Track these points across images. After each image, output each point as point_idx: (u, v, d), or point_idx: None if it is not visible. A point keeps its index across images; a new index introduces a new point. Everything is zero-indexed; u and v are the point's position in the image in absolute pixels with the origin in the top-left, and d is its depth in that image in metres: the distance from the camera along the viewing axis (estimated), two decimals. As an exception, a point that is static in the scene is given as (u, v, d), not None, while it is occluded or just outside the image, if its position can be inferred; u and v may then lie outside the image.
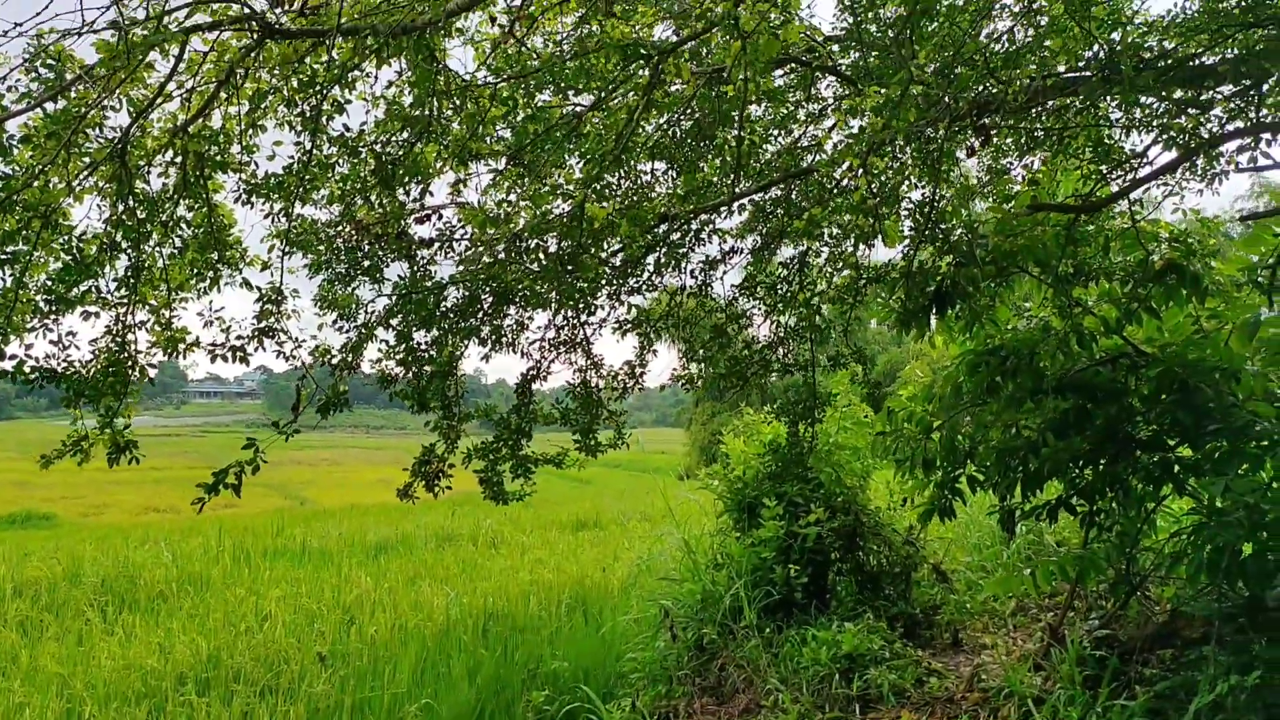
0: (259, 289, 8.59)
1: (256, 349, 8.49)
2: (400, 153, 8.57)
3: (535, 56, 7.60)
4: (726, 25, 6.34)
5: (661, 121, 8.70)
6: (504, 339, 10.64)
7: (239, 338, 8.48)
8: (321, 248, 9.90)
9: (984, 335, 13.76)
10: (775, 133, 11.79)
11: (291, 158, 8.49)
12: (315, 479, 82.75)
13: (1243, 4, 8.43)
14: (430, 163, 8.72)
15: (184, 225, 8.41)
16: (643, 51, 6.74)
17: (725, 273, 11.53)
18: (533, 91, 7.80)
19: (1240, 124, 8.62)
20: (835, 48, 10.57)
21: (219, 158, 7.90)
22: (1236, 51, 8.20)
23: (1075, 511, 12.85)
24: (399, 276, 10.61)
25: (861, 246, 10.16)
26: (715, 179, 10.77)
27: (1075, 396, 13.61)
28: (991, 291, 12.60)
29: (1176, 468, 12.08)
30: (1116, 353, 13.53)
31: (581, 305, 9.75)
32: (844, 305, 11.48)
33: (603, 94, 7.82)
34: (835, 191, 9.60)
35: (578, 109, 9.23)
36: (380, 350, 10.55)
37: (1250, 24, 8.01)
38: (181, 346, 8.36)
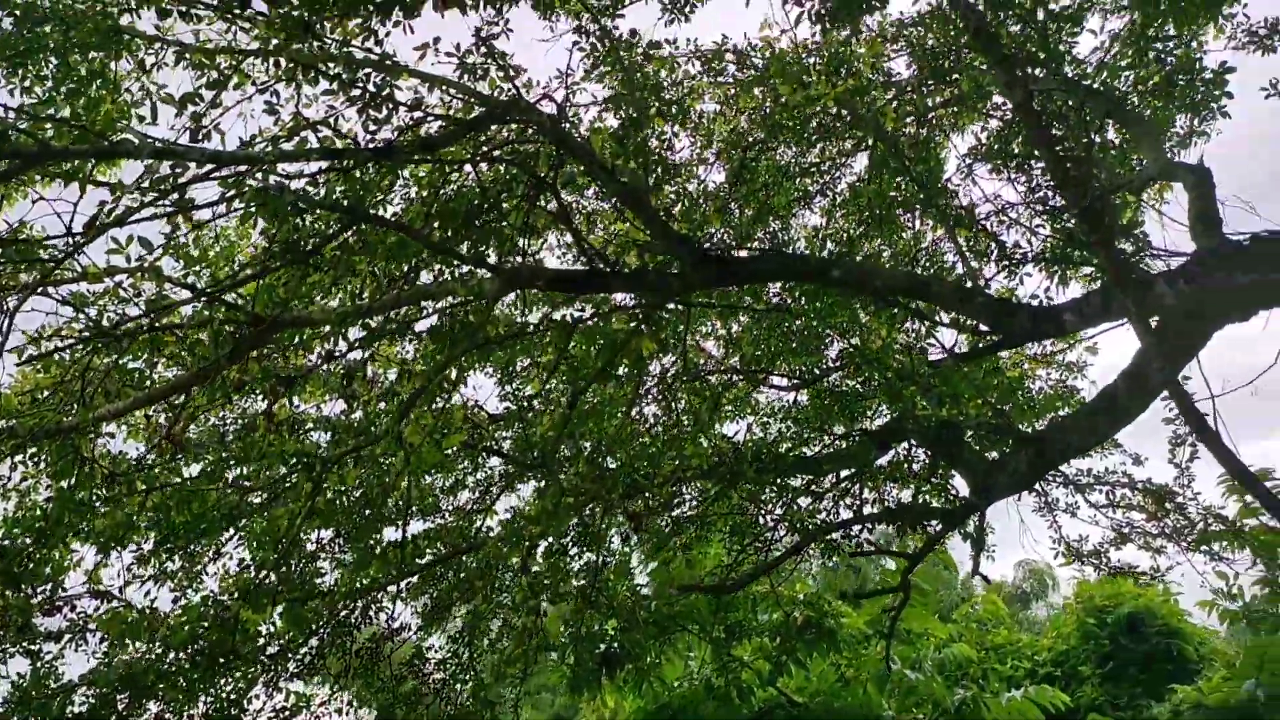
0: None
1: None
2: (27, 555, 7.93)
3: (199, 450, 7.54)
4: (389, 442, 6.68)
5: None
6: (140, 741, 9.56)
7: None
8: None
9: (653, 694, 14.16)
10: (446, 498, 12.12)
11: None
12: None
13: (837, 406, 10.03)
14: (61, 565, 8.14)
15: None
16: (304, 462, 6.90)
17: (393, 650, 11.23)
18: (185, 493, 7.64)
19: (849, 506, 10.01)
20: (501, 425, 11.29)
21: None
22: (834, 449, 9.67)
23: None
24: (17, 674, 9.44)
25: (533, 618, 10.38)
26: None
27: (739, 750, 14.11)
28: (657, 650, 13.16)
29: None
30: (773, 704, 14.35)
31: (231, 702, 9.06)
32: (513, 676, 11.49)
33: (264, 498, 7.82)
34: (500, 570, 9.90)
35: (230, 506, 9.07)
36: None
37: (848, 428, 9.54)
38: None
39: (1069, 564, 15.48)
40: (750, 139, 9.95)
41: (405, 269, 6.99)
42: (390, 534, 10.98)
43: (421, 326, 7.12)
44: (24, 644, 9.42)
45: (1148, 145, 7.14)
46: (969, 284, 7.22)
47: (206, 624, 7.14)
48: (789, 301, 8.97)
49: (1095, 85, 7.55)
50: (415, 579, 11.60)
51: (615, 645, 12.40)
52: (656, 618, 12.06)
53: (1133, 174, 7.64)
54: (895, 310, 8.10)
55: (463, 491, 12.47)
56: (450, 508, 12.13)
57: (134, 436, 9.43)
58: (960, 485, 9.29)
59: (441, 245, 6.29)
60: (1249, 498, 12.60)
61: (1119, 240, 7.40)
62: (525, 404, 9.71)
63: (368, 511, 10.11)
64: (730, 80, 9.24)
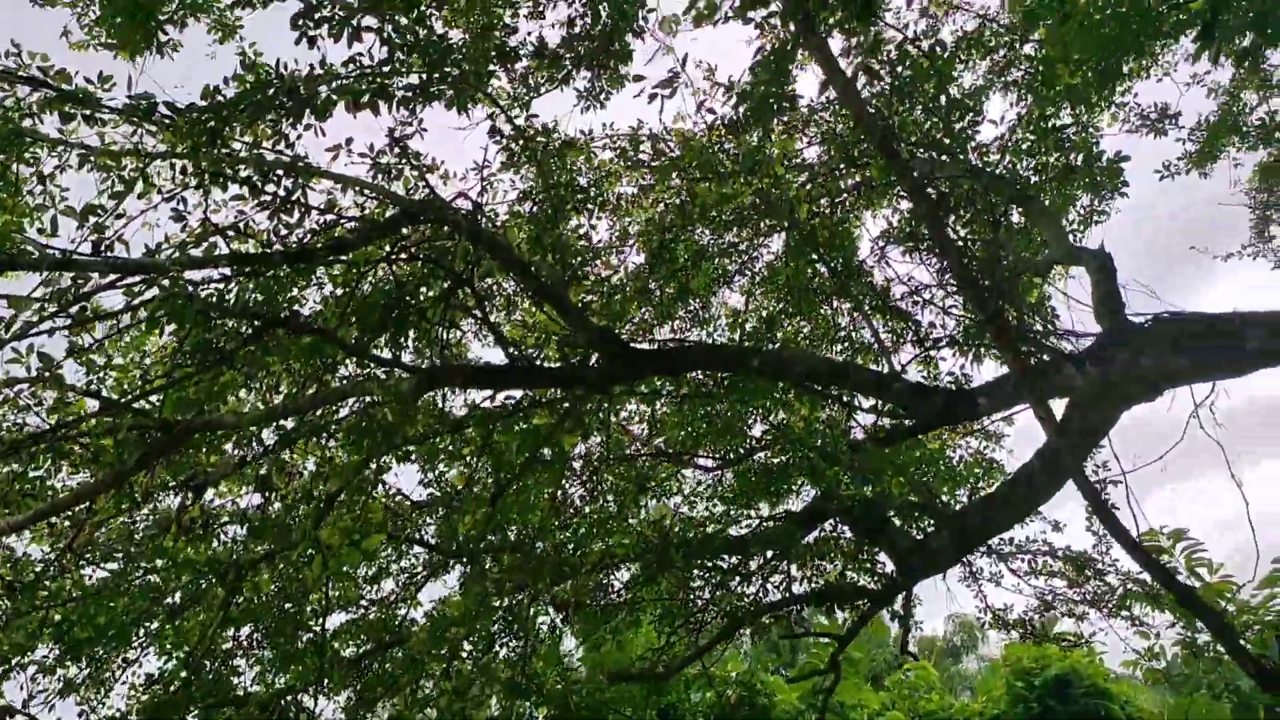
0: None
1: None
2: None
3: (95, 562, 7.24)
4: (306, 545, 6.49)
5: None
6: None
7: None
8: None
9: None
10: (369, 588, 11.82)
11: None
12: None
13: (763, 484, 10.07)
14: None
15: None
16: (218, 568, 6.66)
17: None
18: (90, 606, 7.33)
19: (778, 592, 9.99)
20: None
21: None
22: (761, 530, 9.68)
23: None
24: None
25: None
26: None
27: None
28: (588, 738, 12.92)
29: None
30: (710, 785, 14.13)
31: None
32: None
33: (177, 605, 7.53)
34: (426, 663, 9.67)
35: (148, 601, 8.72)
36: None
37: (769, 516, 9.57)
38: None
39: (995, 627, 15.65)
40: (668, 221, 10.07)
41: (320, 367, 6.87)
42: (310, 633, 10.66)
43: (340, 421, 6.98)
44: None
45: (1050, 229, 7.40)
46: (885, 369, 7.34)
47: None
48: (710, 385, 9.02)
49: (999, 171, 7.81)
50: (337, 675, 11.25)
51: (548, 735, 12.12)
52: (589, 703, 11.85)
53: (1036, 258, 7.89)
54: (816, 394, 8.19)
55: (386, 580, 12.19)
56: (373, 598, 11.84)
57: (37, 541, 9.05)
58: (887, 562, 9.36)
59: (356, 347, 6.19)
60: (1167, 558, 12.97)
61: (1029, 318, 7.61)
62: (449, 490, 9.54)
63: (288, 605, 9.82)
64: (646, 166, 9.35)
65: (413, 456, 10.23)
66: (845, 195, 9.37)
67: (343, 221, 6.23)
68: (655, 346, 7.65)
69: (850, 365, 7.49)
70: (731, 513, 10.21)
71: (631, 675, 10.19)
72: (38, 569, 7.72)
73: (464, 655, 10.06)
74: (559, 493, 10.31)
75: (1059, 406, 6.84)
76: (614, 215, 10.44)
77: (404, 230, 6.67)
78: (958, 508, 9.18)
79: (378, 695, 11.03)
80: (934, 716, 16.23)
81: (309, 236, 6.14)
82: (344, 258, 6.45)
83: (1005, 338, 6.89)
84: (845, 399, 8.46)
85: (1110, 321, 6.79)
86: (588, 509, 10.43)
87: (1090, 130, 7.84)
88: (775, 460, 10.38)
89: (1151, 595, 11.13)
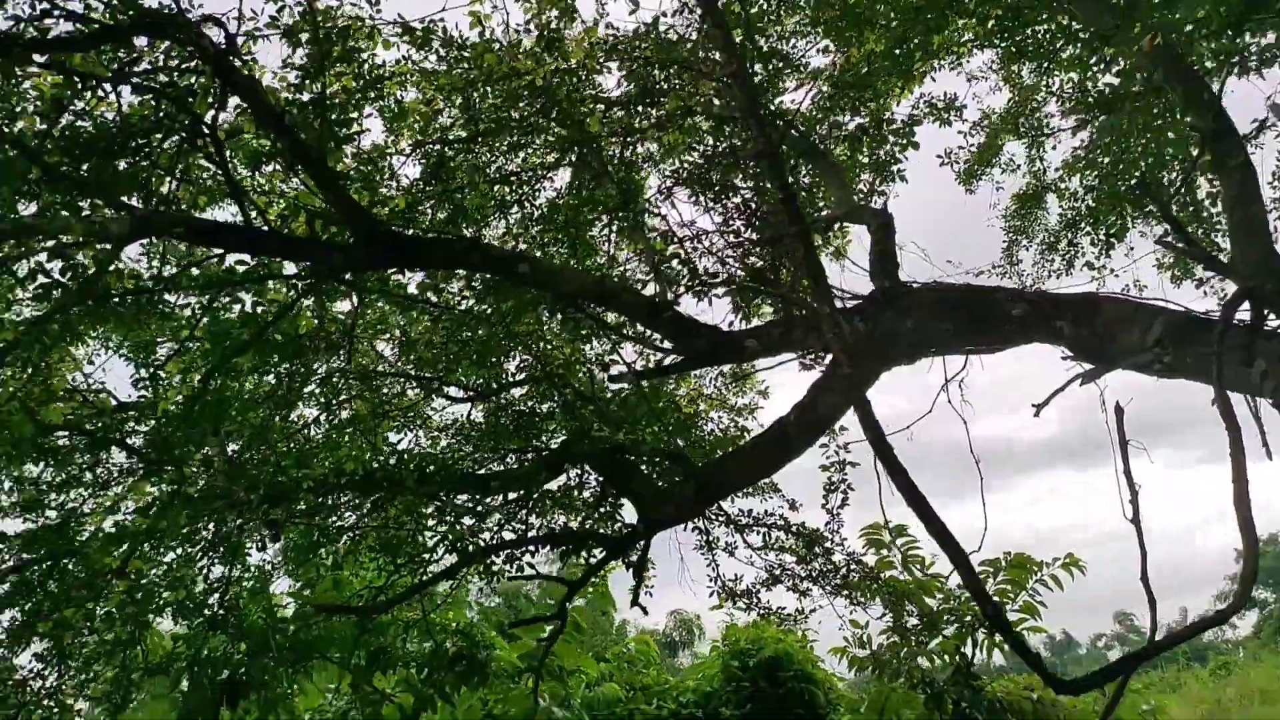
0: None
1: None
2: None
3: None
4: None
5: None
6: None
7: None
8: None
9: (280, 727, 12.87)
10: (53, 496, 10.40)
11: None
12: None
13: (514, 425, 9.59)
14: None
15: None
16: None
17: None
18: None
19: (512, 531, 9.52)
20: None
21: None
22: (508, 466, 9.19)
23: None
24: None
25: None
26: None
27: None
28: (290, 680, 11.96)
29: None
30: (415, 740, 13.50)
31: None
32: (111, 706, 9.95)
33: None
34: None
35: None
36: None
37: (522, 448, 9.11)
38: None
39: (720, 607, 15.88)
40: (451, 134, 9.38)
41: (11, 198, 5.76)
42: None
43: (22, 272, 5.88)
44: None
45: (836, 187, 7.36)
46: (658, 300, 7.06)
47: None
48: (473, 301, 8.43)
49: (798, 128, 7.71)
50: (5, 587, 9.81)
51: (242, 672, 11.07)
52: (293, 643, 10.94)
53: (819, 214, 7.87)
54: (581, 319, 7.80)
55: (76, 489, 10.78)
56: (57, 505, 10.43)
57: None
58: (629, 517, 9.11)
59: (61, 173, 5.20)
60: (886, 551, 13.58)
61: (803, 278, 7.52)
62: (163, 390, 8.44)
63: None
64: (435, 65, 8.60)
65: (124, 347, 9.06)
66: (640, 134, 9.02)
67: (57, 14, 5.18)
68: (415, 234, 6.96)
69: (622, 289, 7.15)
70: (477, 455, 9.68)
71: (344, 608, 9.44)
72: None
73: (154, 576, 8.98)
74: (286, 407, 9.42)
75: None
76: (393, 124, 9.66)
77: (137, 48, 5.69)
78: (704, 461, 9.03)
79: (43, 611, 9.68)
80: (650, 690, 16.30)
81: (13, 24, 5.07)
82: (59, 62, 5.40)
83: (779, 288, 6.75)
84: (612, 328, 8.10)
85: (883, 280, 6.79)
86: (318, 429, 9.60)
87: (885, 99, 7.89)
88: (530, 402, 9.94)
89: (872, 579, 11.55)
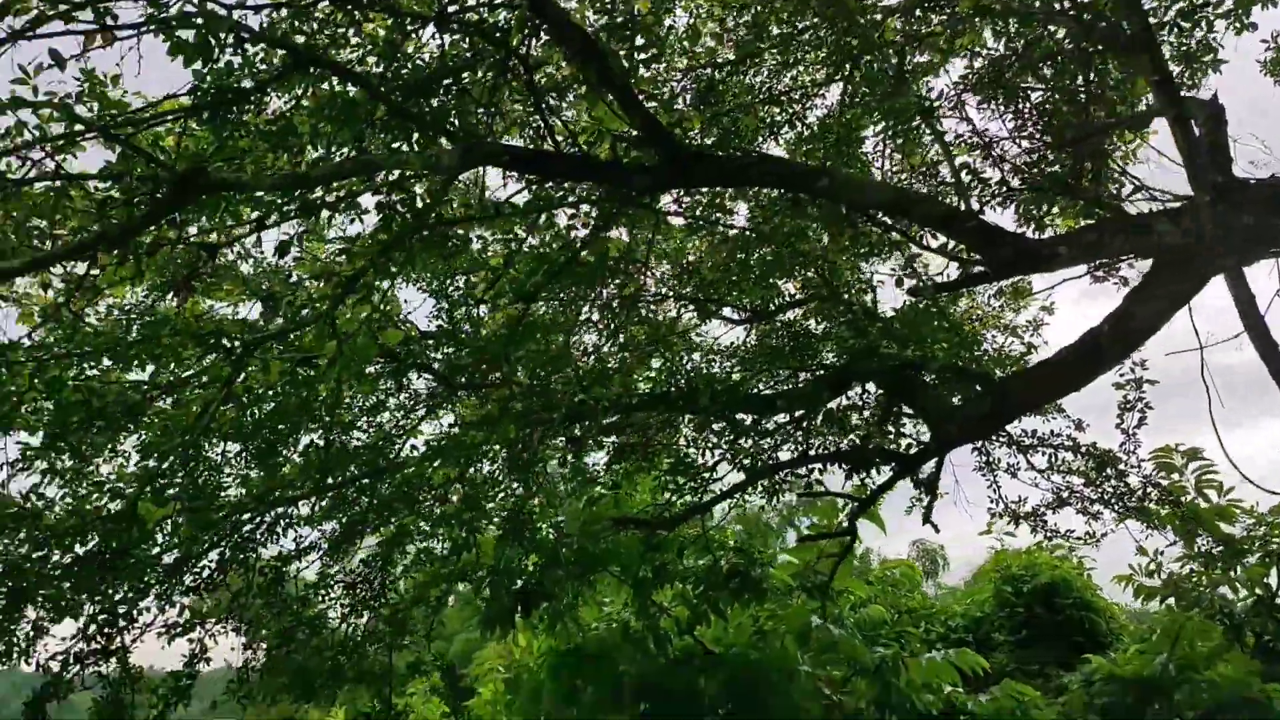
0: None
1: None
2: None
3: (96, 330, 6.74)
4: (321, 327, 6.01)
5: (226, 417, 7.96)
6: (16, 649, 8.76)
7: None
8: None
9: (566, 635, 13.73)
10: (364, 421, 11.39)
11: None
12: None
13: (790, 346, 9.61)
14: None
15: None
16: (225, 344, 6.18)
17: (300, 570, 10.54)
18: (86, 366, 6.83)
19: (792, 451, 9.60)
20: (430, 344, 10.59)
21: None
22: (788, 386, 9.25)
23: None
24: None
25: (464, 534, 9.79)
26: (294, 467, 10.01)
27: (652, 698, 13.79)
28: (575, 591, 12.69)
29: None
30: (689, 653, 14.04)
31: (121, 612, 8.31)
32: (428, 606, 10.92)
33: (171, 381, 7.03)
34: (427, 490, 9.28)
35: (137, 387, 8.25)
36: None
37: (798, 367, 9.12)
38: None
39: (989, 531, 15.44)
40: (722, 58, 9.37)
41: (351, 135, 6.27)
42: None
43: (367, 203, 6.41)
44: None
45: (1152, 79, 6.80)
46: (961, 209, 6.83)
47: (100, 516, 6.39)
48: (762, 219, 8.44)
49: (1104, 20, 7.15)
50: (325, 502, 10.91)
51: (534, 582, 11.87)
52: (579, 557, 11.58)
53: (1130, 111, 7.32)
54: (877, 233, 7.67)
55: (383, 414, 11.76)
56: (369, 428, 11.42)
57: (25, 320, 8.53)
58: (919, 432, 9.00)
59: (400, 107, 5.60)
60: (1177, 476, 12.72)
61: (1114, 180, 7.07)
62: (467, 314, 9.01)
63: (280, 427, 9.36)
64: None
65: (423, 281, 9.72)
66: (923, 41, 8.66)
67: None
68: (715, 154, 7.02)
69: (921, 198, 6.96)
70: (750, 378, 9.77)
71: (635, 520, 9.87)
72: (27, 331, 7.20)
73: (460, 489, 9.68)
74: (574, 333, 9.84)
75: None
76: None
77: (458, -12, 6.02)
78: (1002, 374, 8.73)
79: (367, 523, 10.70)
80: (916, 613, 16.18)
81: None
82: (391, 4, 5.79)
83: (1086, 194, 6.36)
84: (910, 238, 7.91)
85: (1213, 175, 6.26)
86: (604, 352, 9.98)
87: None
88: (808, 321, 9.91)
89: (1171, 502, 10.88)
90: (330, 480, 9.00)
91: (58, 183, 6.03)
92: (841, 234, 8.04)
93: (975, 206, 6.87)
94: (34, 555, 7.45)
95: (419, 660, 10.95)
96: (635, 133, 6.29)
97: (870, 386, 9.26)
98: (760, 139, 10.01)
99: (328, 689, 10.64)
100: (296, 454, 8.55)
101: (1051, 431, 11.05)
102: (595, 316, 9.78)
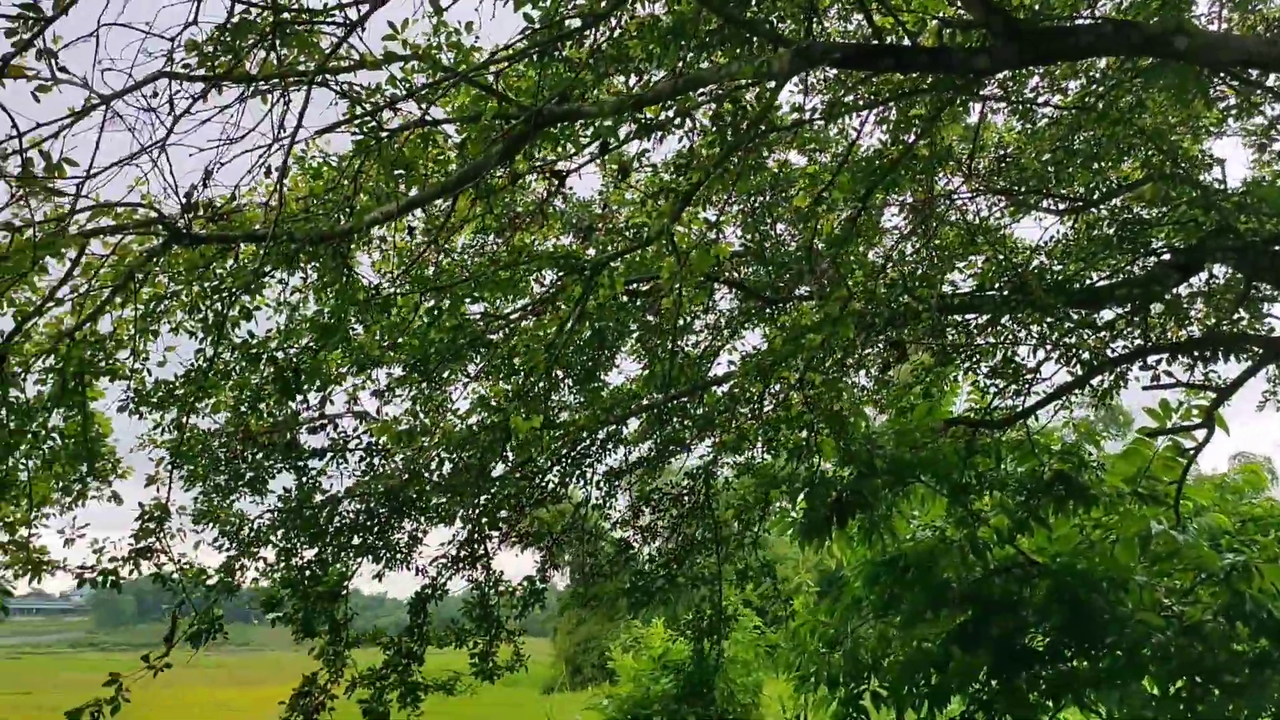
0: (141, 505, 7.77)
1: (133, 571, 7.59)
2: (303, 361, 8.11)
3: (462, 268, 7.42)
4: (663, 242, 6.31)
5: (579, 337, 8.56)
6: (399, 556, 9.95)
7: (112, 559, 7.58)
8: (204, 460, 9.18)
9: (881, 546, 13.74)
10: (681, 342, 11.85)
11: (184, 363, 7.91)
12: (145, 700, 74.83)
13: (1121, 234, 9.02)
14: (333, 371, 8.28)
15: (55, 436, 7.63)
16: (574, 263, 6.63)
17: (629, 485, 11.21)
18: (458, 301, 7.56)
19: (1127, 344, 9.06)
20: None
21: (106, 364, 7.27)
22: (1122, 276, 8.70)
23: (978, 727, 12.58)
24: (284, 489, 9.91)
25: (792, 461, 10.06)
26: (619, 393, 10.59)
27: (973, 608, 13.58)
28: (889, 502, 12.66)
29: (1074, 680, 12.07)
30: (1009, 563, 13.67)
31: (489, 520, 9.23)
32: (749, 518, 11.30)
33: (528, 304, 7.65)
34: (747, 402, 9.56)
35: (486, 318, 9.02)
36: (257, 571, 9.71)
37: (1134, 252, 8.55)
38: (44, 569, 7.41)
39: None
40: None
41: (679, 60, 6.47)
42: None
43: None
44: (291, 460, 9.84)
45: None
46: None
47: (477, 428, 7.10)
48: (1093, 100, 7.91)
49: None
50: (640, 423, 11.46)
51: (849, 492, 11.95)
52: (894, 464, 11.53)
53: None
54: (1232, 92, 7.00)
55: (690, 336, 12.16)
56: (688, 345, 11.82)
57: (388, 265, 9.47)
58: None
59: (732, 13, 5.71)
60: None
61: None
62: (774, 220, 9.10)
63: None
64: None
65: (736, 202, 9.90)
66: None
67: None
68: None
69: (1297, 45, 6.28)
70: (1083, 269, 9.24)
71: (962, 420, 9.69)
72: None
73: (776, 396, 9.86)
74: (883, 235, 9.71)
75: None
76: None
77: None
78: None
79: (690, 437, 11.18)
80: (1261, 520, 14.85)
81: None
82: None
83: None
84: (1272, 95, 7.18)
85: None
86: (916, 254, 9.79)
87: None
88: (1138, 208, 9.25)
89: None
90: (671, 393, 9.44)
91: (424, 130, 6.68)
92: (1200, 99, 7.38)
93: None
94: (416, 469, 8.41)
95: (747, 566, 11.39)
96: (963, 14, 6.08)
97: (1219, 270, 8.57)
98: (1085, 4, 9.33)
99: (663, 595, 11.31)
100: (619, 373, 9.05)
101: None
102: (908, 220, 9.62)
